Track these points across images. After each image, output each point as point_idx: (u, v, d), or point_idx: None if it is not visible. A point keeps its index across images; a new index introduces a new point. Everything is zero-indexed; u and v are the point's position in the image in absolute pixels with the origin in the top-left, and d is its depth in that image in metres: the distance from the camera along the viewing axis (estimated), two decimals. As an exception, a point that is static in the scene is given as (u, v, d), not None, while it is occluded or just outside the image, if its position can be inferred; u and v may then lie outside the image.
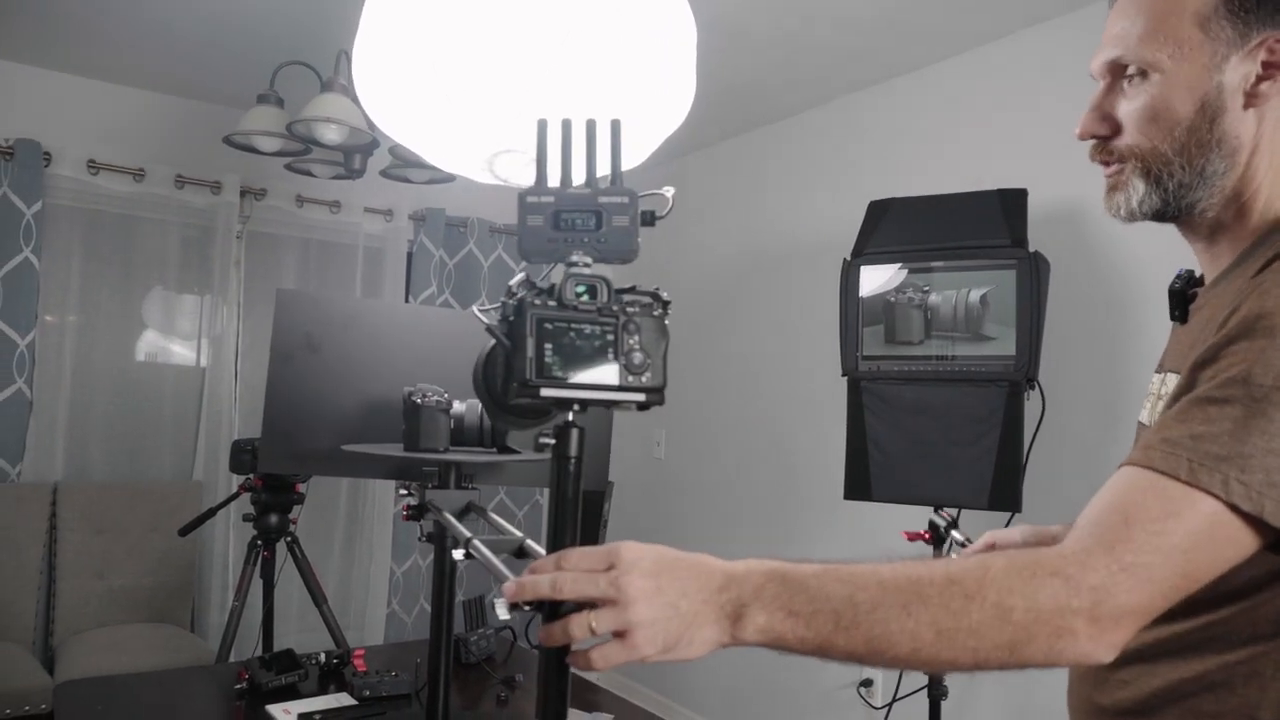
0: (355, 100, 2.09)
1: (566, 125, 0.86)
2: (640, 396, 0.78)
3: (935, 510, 2.09)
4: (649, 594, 0.69)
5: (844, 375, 2.19)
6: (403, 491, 1.46)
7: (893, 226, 2.22)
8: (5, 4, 2.53)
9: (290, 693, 1.66)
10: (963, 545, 1.06)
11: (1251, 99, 0.84)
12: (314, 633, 2.67)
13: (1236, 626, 0.79)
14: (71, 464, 3.05)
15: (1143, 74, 0.87)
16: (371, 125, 2.11)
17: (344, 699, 1.64)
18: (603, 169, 0.84)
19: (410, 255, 3.60)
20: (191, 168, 3.15)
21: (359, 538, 3.49)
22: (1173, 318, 0.97)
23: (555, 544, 0.81)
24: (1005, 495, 2.00)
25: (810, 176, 3.16)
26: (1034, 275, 2.01)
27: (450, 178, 2.18)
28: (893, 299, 2.13)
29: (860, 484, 2.14)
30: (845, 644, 0.69)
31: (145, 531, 2.93)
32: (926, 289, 2.10)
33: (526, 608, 0.73)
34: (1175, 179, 0.86)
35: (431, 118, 1.22)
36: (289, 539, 2.34)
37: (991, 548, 1.09)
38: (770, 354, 3.21)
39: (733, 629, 0.70)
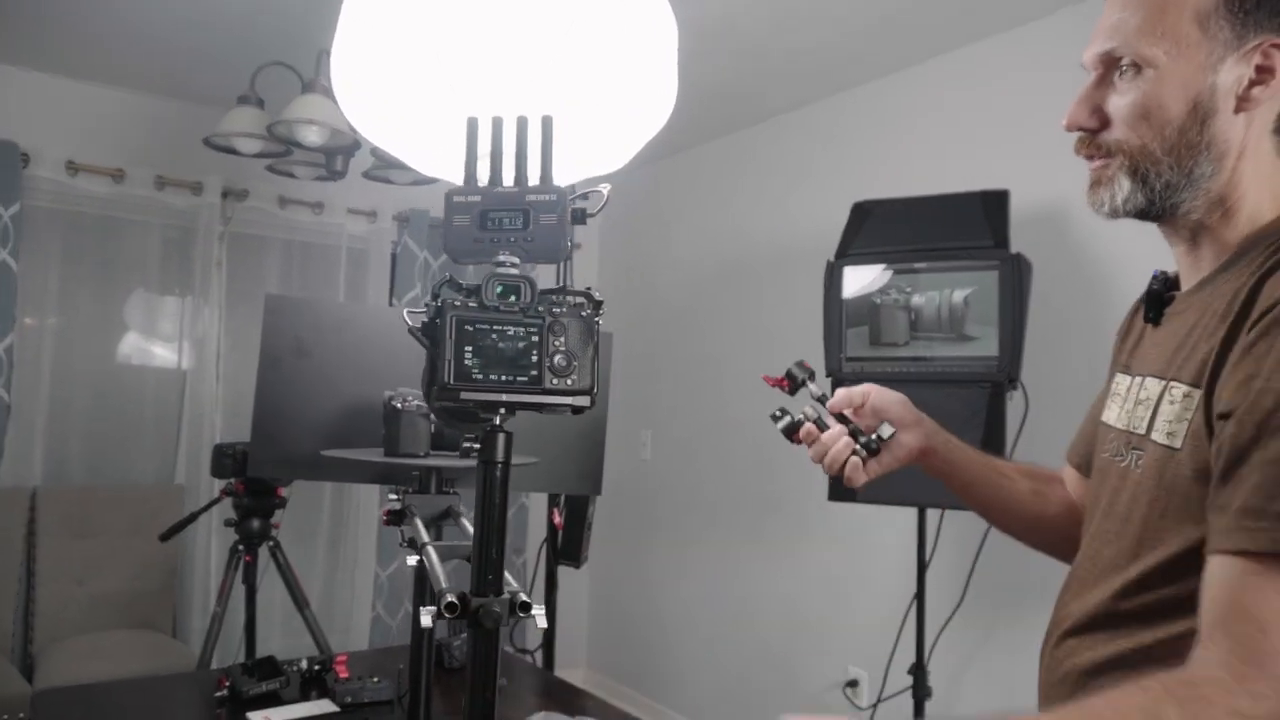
0: (336, 102, 2.08)
1: (497, 123, 0.86)
2: (565, 399, 0.76)
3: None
4: None
5: (828, 376, 2.19)
6: (392, 496, 1.45)
7: (876, 228, 2.23)
8: (-19, 4, 2.50)
9: (272, 700, 1.64)
10: (819, 400, 1.08)
11: (1243, 103, 0.83)
12: (298, 638, 2.65)
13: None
14: (51, 468, 3.02)
15: (1136, 68, 0.85)
16: (352, 127, 2.10)
17: (326, 706, 1.63)
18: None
19: (394, 256, 3.58)
20: (172, 168, 3.12)
21: (343, 541, 3.47)
22: (1147, 319, 0.96)
23: (482, 554, 0.80)
24: (988, 496, 2.00)
25: (793, 178, 3.16)
26: (1016, 276, 2.01)
27: (433, 179, 2.17)
28: (877, 300, 2.13)
29: (844, 486, 2.14)
30: None
31: (126, 536, 2.90)
32: (910, 290, 2.11)
33: None
34: (1163, 179, 0.85)
35: (409, 121, 1.21)
36: (271, 544, 2.32)
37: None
38: (756, 355, 3.21)
39: None
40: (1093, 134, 0.88)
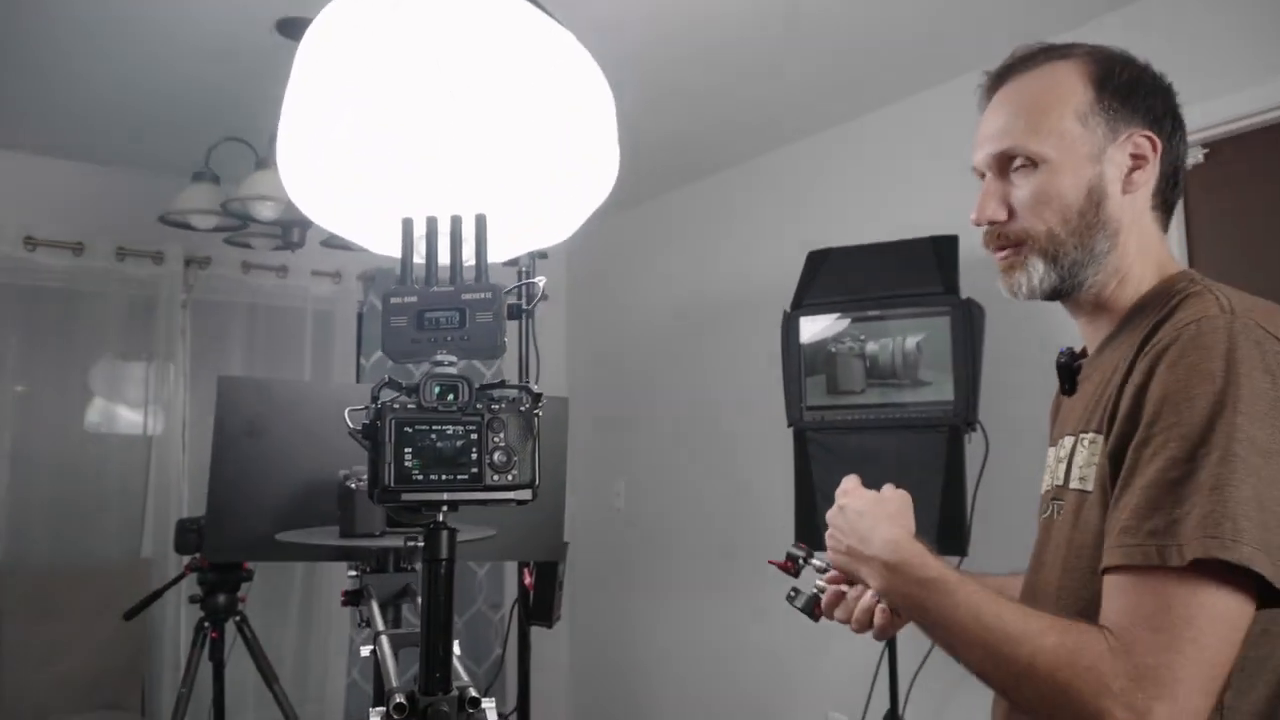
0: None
1: (432, 222, 0.87)
2: (507, 495, 0.78)
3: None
4: (835, 528, 1.07)
5: (789, 426, 2.21)
6: (351, 573, 1.44)
7: (831, 276, 2.27)
8: (-66, 86, 2.51)
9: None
10: (823, 571, 1.12)
11: (1127, 185, 0.93)
12: (270, 711, 2.60)
13: None
14: (13, 546, 2.96)
15: (1032, 164, 0.94)
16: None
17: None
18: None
19: (361, 316, 3.58)
20: (132, 239, 3.11)
21: (315, 607, 3.41)
22: (1063, 391, 1.04)
23: (429, 651, 0.80)
24: (951, 539, 2.02)
25: (751, 227, 3.21)
26: (967, 321, 2.05)
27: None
28: (833, 349, 2.16)
29: (810, 534, 2.15)
30: (929, 627, 0.88)
31: (91, 615, 2.85)
32: (865, 338, 2.14)
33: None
34: (1069, 258, 0.94)
35: (354, 209, 1.23)
36: (238, 618, 2.29)
37: None
38: (724, 403, 3.23)
39: (867, 580, 0.99)
40: (1000, 225, 0.97)
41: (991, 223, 0.97)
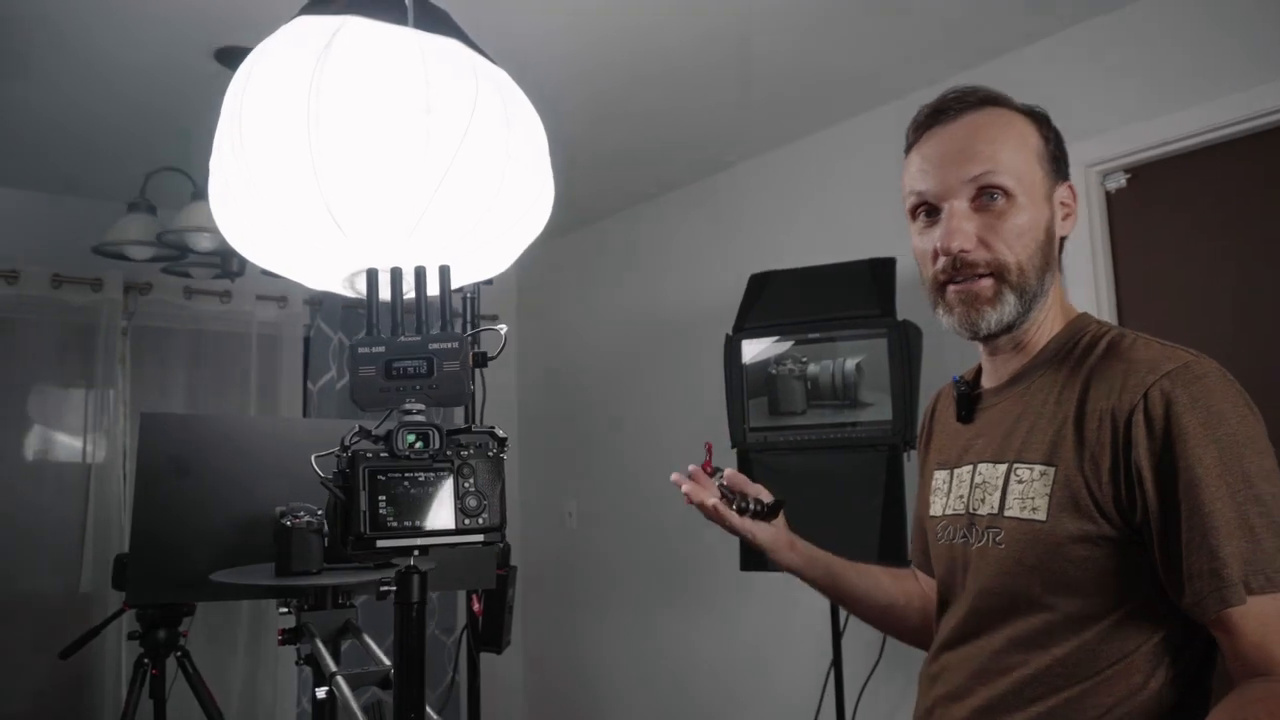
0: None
1: (396, 273, 0.89)
2: (478, 538, 0.80)
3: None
4: None
5: (733, 447, 2.24)
6: (283, 610, 1.43)
7: (772, 299, 2.30)
8: None
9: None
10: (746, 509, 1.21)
11: (1060, 231, 1.00)
12: (215, 745, 2.55)
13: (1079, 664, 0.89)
14: (-56, 584, 2.88)
15: (1007, 196, 0.95)
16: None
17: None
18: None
19: (307, 340, 3.55)
20: (69, 266, 3.05)
21: (264, 635, 3.36)
22: (959, 419, 1.07)
23: (403, 693, 0.82)
24: (892, 556, 2.06)
25: (696, 250, 3.25)
26: (904, 342, 2.10)
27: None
28: (774, 371, 2.20)
29: (754, 554, 2.16)
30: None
31: (28, 653, 2.77)
32: (805, 360, 2.18)
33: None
34: (1031, 292, 0.97)
35: (285, 247, 1.22)
36: (179, 654, 2.24)
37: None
38: (672, 424, 3.26)
39: None
40: (967, 255, 0.96)
41: (965, 251, 0.96)
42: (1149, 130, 2.09)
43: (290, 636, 1.34)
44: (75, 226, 2.98)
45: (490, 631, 2.32)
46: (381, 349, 0.82)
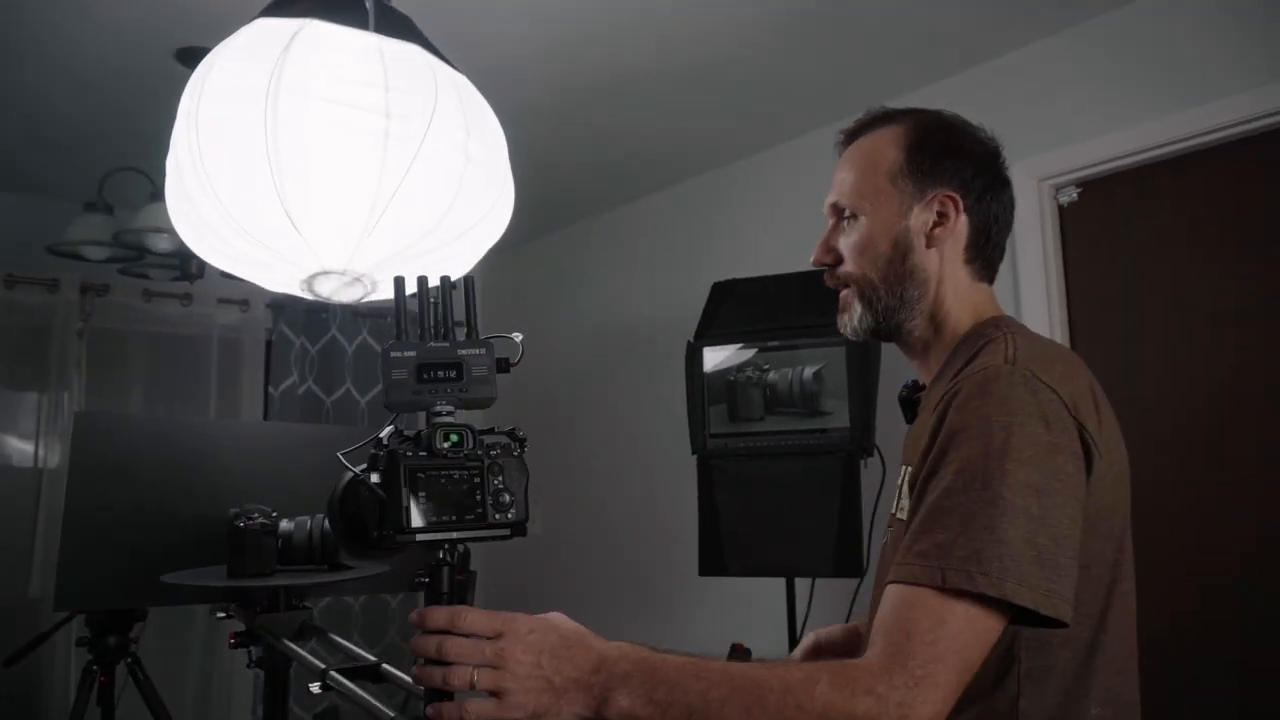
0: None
1: (422, 282, 0.93)
2: (506, 532, 0.86)
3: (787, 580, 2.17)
4: (527, 666, 0.80)
5: (694, 454, 2.26)
6: (220, 615, 1.42)
7: (734, 307, 2.33)
8: None
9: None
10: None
11: (930, 240, 1.03)
12: (167, 754, 2.50)
13: None
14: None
15: (854, 216, 1.05)
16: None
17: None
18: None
19: (269, 344, 3.51)
20: (23, 265, 2.99)
21: (218, 640, 3.31)
22: (907, 420, 1.13)
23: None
24: (848, 562, 2.09)
25: (660, 258, 3.28)
26: (862, 351, 2.13)
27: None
28: (733, 378, 2.22)
29: (713, 559, 2.20)
30: None
31: (-29, 660, 2.70)
32: (765, 367, 2.21)
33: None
34: (883, 302, 1.04)
35: (239, 247, 1.22)
36: (130, 660, 2.20)
37: (816, 646, 1.24)
38: (636, 430, 3.27)
39: (598, 707, 0.80)
40: (832, 269, 1.07)
41: (821, 264, 1.08)
42: (1100, 145, 2.15)
43: (245, 639, 1.33)
44: (31, 226, 2.92)
45: (449, 637, 2.31)
46: (413, 354, 0.85)
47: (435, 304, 0.90)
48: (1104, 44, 2.16)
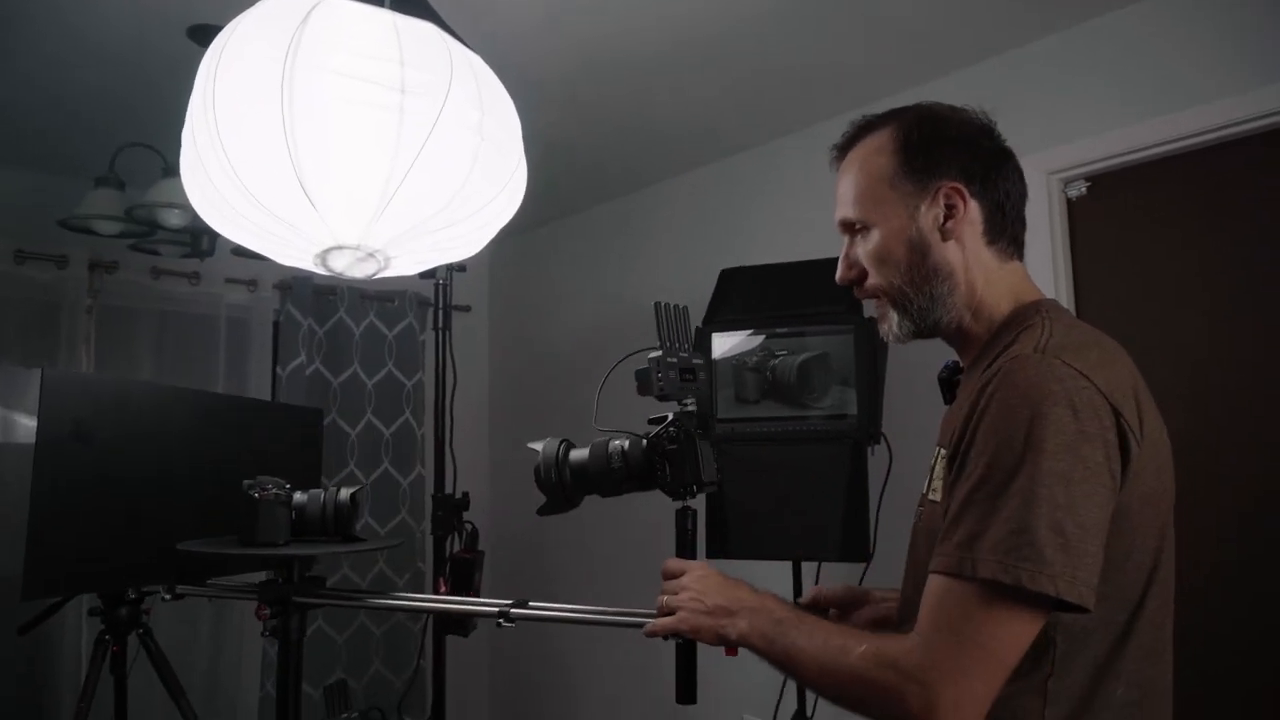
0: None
1: (659, 305, 1.22)
2: (715, 487, 1.24)
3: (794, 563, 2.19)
4: (691, 594, 1.09)
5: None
6: (166, 597, 1.44)
7: (741, 294, 2.34)
8: None
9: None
10: None
11: (945, 234, 1.02)
12: (177, 726, 2.53)
13: None
14: (-101, 562, 2.83)
15: (865, 228, 1.06)
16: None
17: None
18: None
19: (277, 324, 3.53)
20: (33, 242, 3.00)
21: (228, 618, 3.35)
22: (946, 401, 1.13)
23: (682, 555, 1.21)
24: (854, 547, 2.10)
25: (668, 245, 3.28)
26: (869, 338, 2.14)
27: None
28: (739, 364, 2.23)
29: (720, 542, 2.21)
30: (780, 659, 1.00)
31: (-16, 631, 2.73)
32: (777, 352, 2.21)
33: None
34: (915, 305, 1.04)
35: (254, 220, 1.23)
36: (141, 631, 2.23)
37: (816, 599, 1.30)
38: (643, 414, 3.27)
39: (728, 627, 1.05)
40: (860, 284, 1.08)
41: (848, 281, 1.10)
42: (1109, 140, 2.14)
43: (275, 609, 1.34)
44: (42, 203, 2.93)
45: (456, 615, 2.32)
46: (675, 360, 1.19)
47: (673, 321, 1.22)
48: (1116, 38, 2.15)
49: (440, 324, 2.26)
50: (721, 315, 2.31)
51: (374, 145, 1.16)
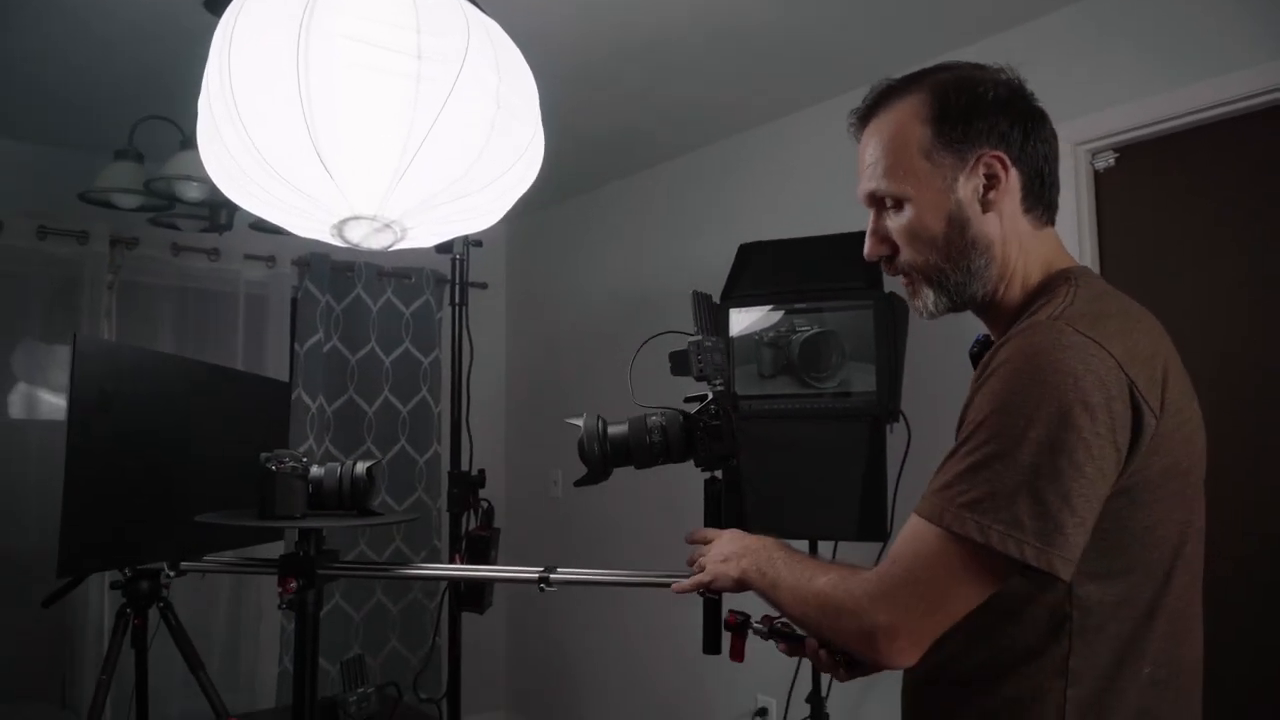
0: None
1: (697, 296, 1.28)
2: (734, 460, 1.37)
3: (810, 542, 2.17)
4: (715, 552, 1.20)
5: (719, 415, 2.25)
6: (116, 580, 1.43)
7: (760, 269, 2.31)
8: None
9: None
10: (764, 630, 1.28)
11: (986, 205, 0.98)
12: (198, 700, 2.56)
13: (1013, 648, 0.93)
14: (-75, 534, 2.87)
15: (897, 203, 1.00)
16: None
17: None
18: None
19: (295, 301, 3.54)
20: (54, 218, 3.02)
21: (246, 594, 3.38)
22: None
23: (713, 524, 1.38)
24: (872, 525, 2.08)
25: (687, 220, 3.25)
26: (889, 314, 2.11)
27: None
28: (758, 339, 2.21)
29: (736, 521, 2.19)
30: (767, 588, 1.06)
31: (7, 605, 2.77)
32: (791, 329, 2.19)
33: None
34: (952, 280, 1.00)
35: (270, 189, 1.22)
36: (161, 604, 2.24)
37: None
38: (659, 392, 3.26)
39: (740, 571, 1.12)
40: (890, 260, 1.04)
41: (877, 256, 1.05)
42: (1138, 110, 2.10)
43: (300, 583, 1.34)
44: (62, 178, 2.94)
45: (472, 593, 2.33)
46: (710, 344, 1.36)
47: (708, 309, 1.34)
48: (1145, 6, 2.10)
49: (457, 300, 2.25)
50: (740, 290, 2.28)
51: (390, 113, 1.15)
